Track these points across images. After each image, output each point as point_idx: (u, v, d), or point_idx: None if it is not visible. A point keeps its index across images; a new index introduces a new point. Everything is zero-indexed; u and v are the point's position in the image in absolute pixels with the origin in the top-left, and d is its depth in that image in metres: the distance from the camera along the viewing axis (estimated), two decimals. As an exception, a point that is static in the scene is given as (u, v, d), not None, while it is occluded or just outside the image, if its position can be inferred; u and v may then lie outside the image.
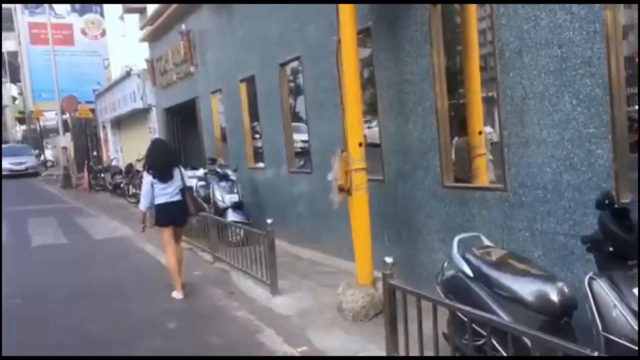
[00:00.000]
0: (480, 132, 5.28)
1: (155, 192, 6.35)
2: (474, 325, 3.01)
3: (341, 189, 5.14)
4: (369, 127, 6.50)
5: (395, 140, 5.80)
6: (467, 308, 3.05)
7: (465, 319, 3.04)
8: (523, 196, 4.31)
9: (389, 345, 3.75)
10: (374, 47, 5.99)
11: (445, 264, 3.88)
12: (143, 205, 6.51)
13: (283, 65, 8.18)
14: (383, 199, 6.02)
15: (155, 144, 6.89)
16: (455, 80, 5.50)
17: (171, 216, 6.42)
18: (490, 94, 5.13)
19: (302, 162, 8.28)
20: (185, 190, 6.50)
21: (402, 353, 3.63)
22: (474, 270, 3.40)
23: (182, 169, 6.65)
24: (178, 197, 6.41)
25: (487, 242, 3.87)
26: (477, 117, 5.29)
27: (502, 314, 3.07)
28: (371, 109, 6.36)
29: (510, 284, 3.13)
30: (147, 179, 6.42)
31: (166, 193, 6.36)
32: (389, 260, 3.71)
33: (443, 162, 5.18)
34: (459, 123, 5.63)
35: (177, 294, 6.26)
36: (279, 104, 8.32)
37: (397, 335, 3.69)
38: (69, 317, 5.83)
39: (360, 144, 5.05)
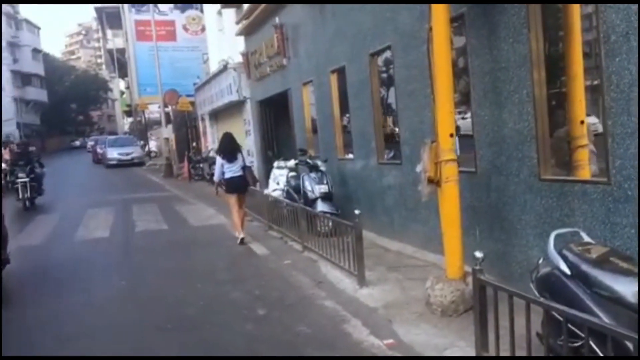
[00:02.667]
0: (582, 122, 4.96)
1: (224, 169, 9.00)
2: (570, 326, 2.85)
3: (430, 181, 5.03)
4: (462, 118, 6.32)
5: (488, 131, 5.59)
6: (563, 307, 2.88)
7: (561, 318, 2.88)
8: (629, 190, 4.00)
9: (478, 342, 3.64)
10: (467, 34, 5.79)
11: (541, 261, 3.69)
12: (216, 177, 9.24)
13: (373, 55, 8.11)
14: (475, 191, 5.83)
15: (225, 137, 9.43)
16: (556, 67, 5.19)
17: (235, 186, 9.03)
18: (594, 81, 4.80)
19: (391, 154, 8.19)
20: (245, 168, 9.11)
21: (492, 352, 3.51)
22: (572, 268, 3.21)
23: (243, 154, 9.38)
24: (240, 173, 9.02)
25: (587, 238, 3.64)
26: (579, 106, 4.97)
27: (601, 314, 2.87)
28: (464, 99, 6.17)
29: (612, 283, 2.92)
30: (219, 160, 9.15)
31: (232, 170, 8.99)
32: (479, 255, 3.58)
33: (540, 154, 4.92)
34: (559, 112, 5.32)
35: (238, 235, 8.84)
36: (369, 95, 8.27)
37: (488, 333, 3.56)
38: (167, 300, 6.14)
39: (451, 135, 4.91)
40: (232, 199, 9.03)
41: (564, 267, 3.26)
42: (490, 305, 3.48)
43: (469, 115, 6.07)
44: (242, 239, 8.74)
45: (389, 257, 7.18)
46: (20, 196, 14.08)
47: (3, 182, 15.05)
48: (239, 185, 9.06)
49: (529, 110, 4.96)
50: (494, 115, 5.47)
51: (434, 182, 5.01)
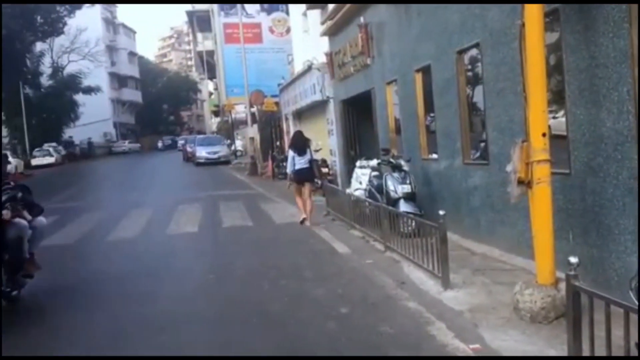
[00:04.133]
0: (690, 121, 4.62)
1: (295, 162, 10.55)
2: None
3: (520, 182, 4.86)
4: (554, 117, 6.06)
5: (584, 131, 5.32)
6: (666, 319, 2.71)
7: (665, 331, 2.70)
8: None
9: (571, 352, 3.48)
10: (562, 30, 5.54)
11: (641, 268, 3.49)
12: (289, 169, 10.88)
13: (460, 52, 7.94)
14: (568, 193, 5.57)
15: (297, 134, 11.47)
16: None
17: (302, 176, 10.59)
18: None
19: (477, 154, 7.98)
20: (312, 161, 10.77)
21: (586, 361, 3.35)
22: (677, 277, 3.01)
23: (312, 149, 11.18)
24: (307, 165, 10.64)
25: (694, 246, 3.39)
26: (686, 104, 4.64)
27: None
28: (556, 98, 5.91)
29: None
30: (290, 154, 10.75)
31: (300, 162, 10.58)
32: (573, 260, 3.43)
33: (642, 155, 4.63)
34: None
35: (302, 216, 10.48)
36: (455, 93, 8.11)
37: (581, 343, 3.40)
38: (253, 295, 6.30)
39: (544, 134, 4.72)
40: (298, 188, 10.63)
41: (668, 276, 3.06)
42: (584, 314, 3.32)
43: (560, 114, 5.82)
44: (304, 219, 10.38)
45: (475, 260, 7.01)
46: None
47: None
48: (306, 176, 10.62)
49: (629, 108, 4.68)
50: (590, 114, 5.20)
51: (525, 183, 4.85)
